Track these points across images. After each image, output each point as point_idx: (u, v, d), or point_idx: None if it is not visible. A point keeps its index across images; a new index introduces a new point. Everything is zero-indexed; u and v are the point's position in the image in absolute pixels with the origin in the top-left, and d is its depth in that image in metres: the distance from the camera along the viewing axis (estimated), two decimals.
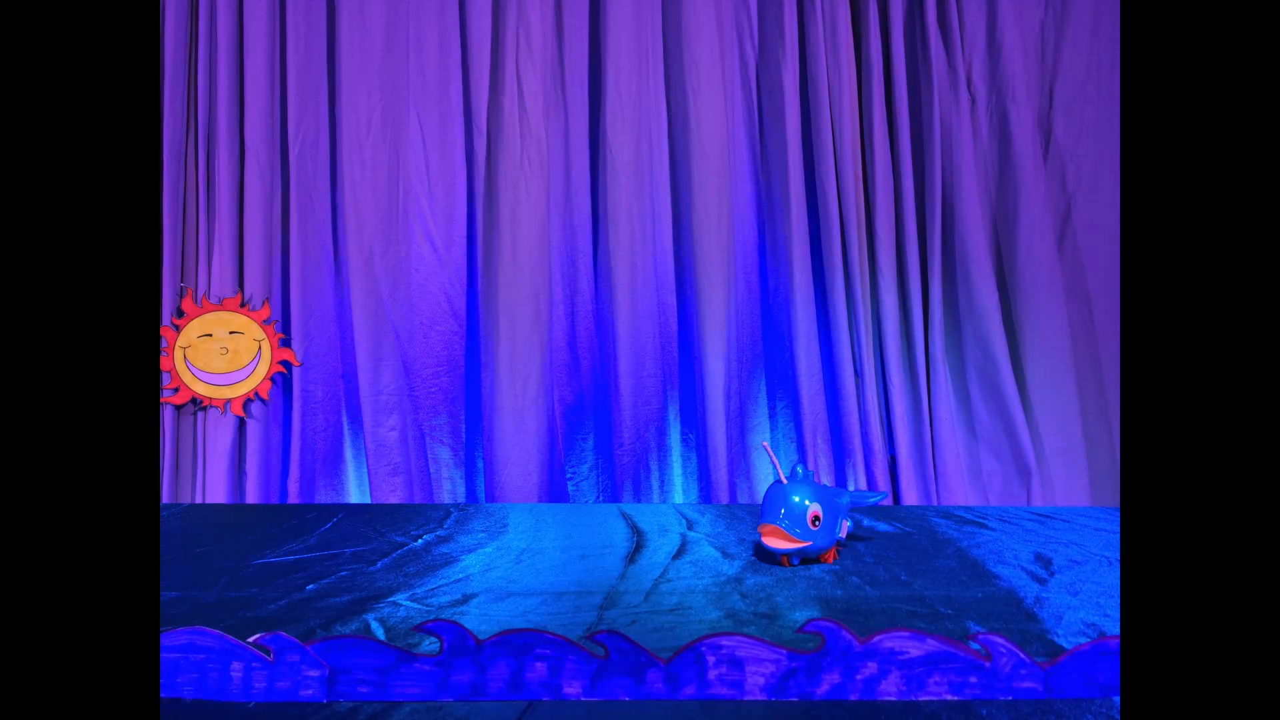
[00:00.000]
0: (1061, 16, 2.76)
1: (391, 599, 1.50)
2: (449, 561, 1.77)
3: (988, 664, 1.08)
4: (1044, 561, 1.75)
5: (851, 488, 2.68)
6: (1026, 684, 1.08)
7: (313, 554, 1.83)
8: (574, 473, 2.75)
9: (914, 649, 1.09)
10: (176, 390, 2.63)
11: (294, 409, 2.67)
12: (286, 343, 2.67)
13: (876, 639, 1.09)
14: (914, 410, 2.72)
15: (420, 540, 1.95)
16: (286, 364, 2.66)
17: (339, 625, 1.36)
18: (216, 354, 2.62)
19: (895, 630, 1.10)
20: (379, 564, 1.74)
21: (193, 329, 2.63)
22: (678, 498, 2.72)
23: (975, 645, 1.11)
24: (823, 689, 1.08)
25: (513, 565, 1.74)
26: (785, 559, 1.67)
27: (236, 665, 1.10)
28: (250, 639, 1.12)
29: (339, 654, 1.10)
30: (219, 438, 2.64)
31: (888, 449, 2.71)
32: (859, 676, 1.08)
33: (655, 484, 2.72)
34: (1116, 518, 2.19)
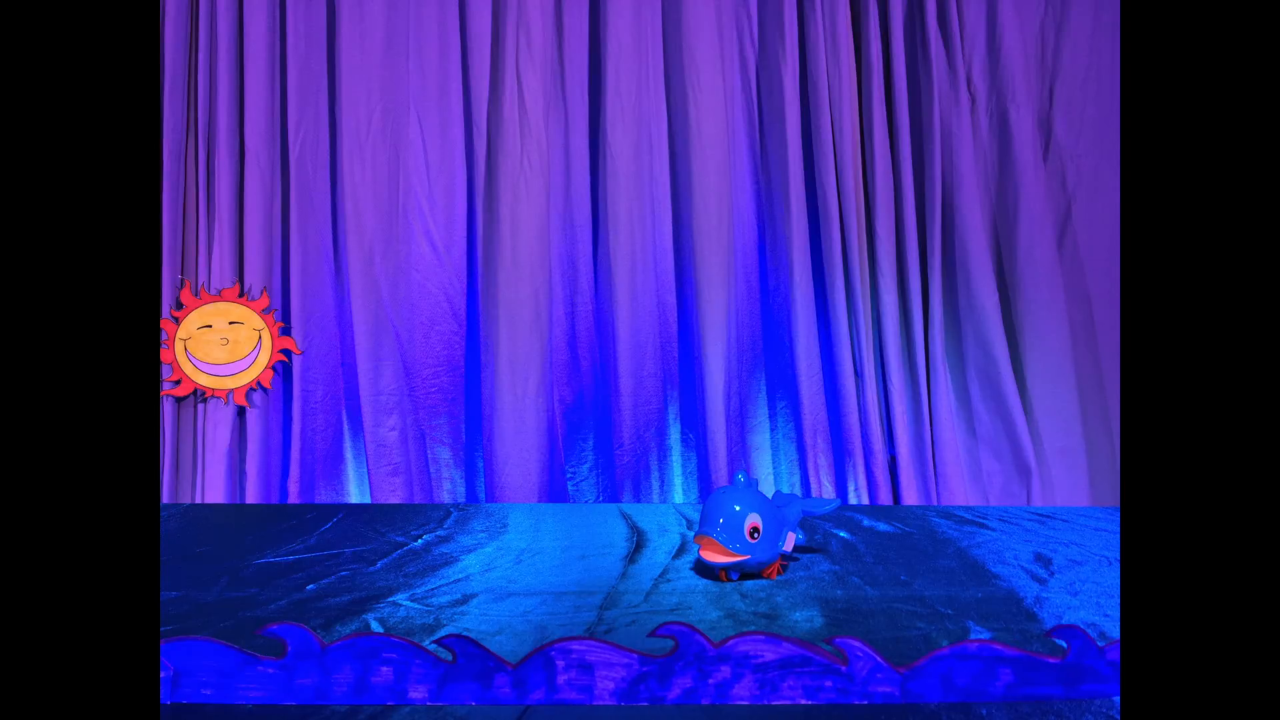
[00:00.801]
0: (1061, 16, 2.76)
1: (391, 599, 1.50)
2: (449, 561, 1.77)
3: (844, 667, 1.07)
4: (1044, 561, 1.75)
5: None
6: (883, 688, 1.07)
7: (313, 554, 1.83)
8: (574, 473, 2.75)
9: (768, 653, 1.07)
10: (179, 382, 2.63)
11: (294, 409, 2.66)
12: (286, 331, 2.67)
13: (731, 642, 1.07)
14: (914, 410, 2.72)
15: (420, 540, 1.95)
16: (288, 353, 2.66)
17: (339, 625, 1.36)
18: (217, 345, 2.62)
19: (749, 634, 1.08)
20: (379, 564, 1.75)
21: (192, 320, 2.63)
22: (678, 498, 2.72)
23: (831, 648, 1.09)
24: (674, 693, 1.07)
25: (513, 565, 1.74)
26: (724, 574, 1.56)
27: None
28: None
29: (183, 655, 1.08)
30: (219, 437, 2.64)
31: (888, 449, 2.71)
32: (711, 680, 1.06)
33: (655, 484, 2.72)
34: (1116, 518, 2.19)
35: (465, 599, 1.50)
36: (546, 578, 1.64)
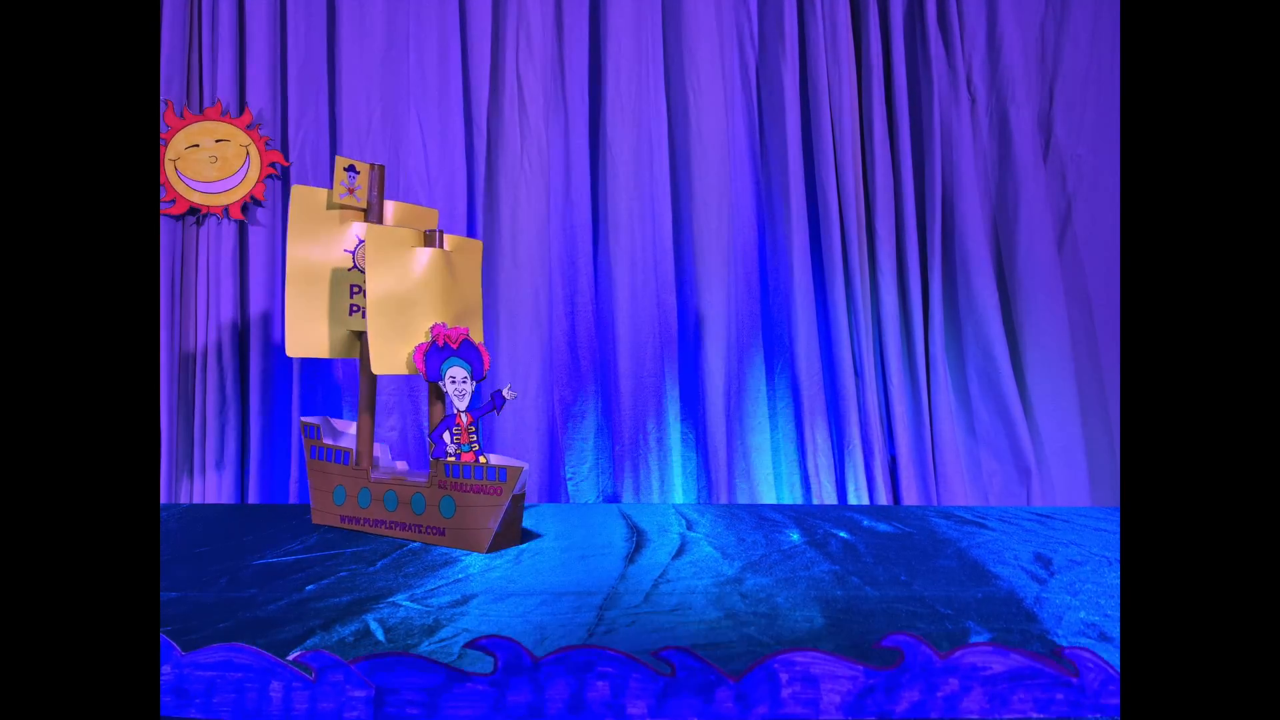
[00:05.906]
0: (1061, 16, 2.77)
1: (391, 599, 1.50)
2: (449, 561, 1.77)
3: (1075, 679, 1.03)
4: (1044, 561, 1.75)
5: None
6: (1115, 700, 1.02)
7: (313, 554, 1.83)
8: (574, 473, 2.75)
9: (997, 664, 1.03)
10: (174, 201, 2.63)
11: (294, 409, 2.66)
12: (273, 145, 2.69)
13: (958, 654, 1.03)
14: (914, 410, 2.72)
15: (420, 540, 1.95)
16: (278, 165, 2.68)
17: (339, 625, 1.36)
18: (206, 163, 2.64)
19: (977, 645, 1.05)
20: (379, 564, 1.75)
21: (179, 141, 2.64)
22: (678, 498, 2.72)
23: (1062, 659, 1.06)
24: (902, 707, 1.04)
25: (512, 565, 1.74)
26: None
27: (276, 685, 1.06)
28: (290, 657, 1.08)
29: (385, 673, 1.04)
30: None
31: (888, 449, 2.71)
32: (940, 694, 1.03)
33: (655, 484, 2.72)
34: (1116, 518, 2.19)
35: (465, 599, 1.50)
36: (546, 578, 1.64)
